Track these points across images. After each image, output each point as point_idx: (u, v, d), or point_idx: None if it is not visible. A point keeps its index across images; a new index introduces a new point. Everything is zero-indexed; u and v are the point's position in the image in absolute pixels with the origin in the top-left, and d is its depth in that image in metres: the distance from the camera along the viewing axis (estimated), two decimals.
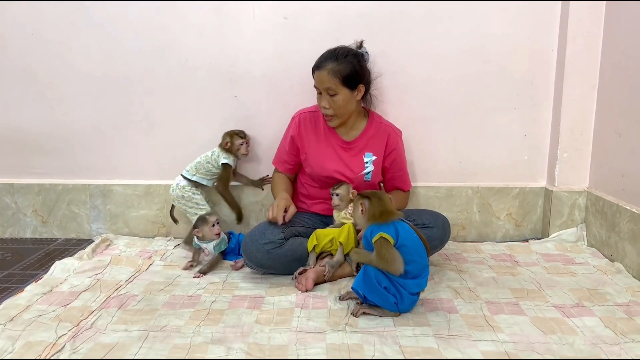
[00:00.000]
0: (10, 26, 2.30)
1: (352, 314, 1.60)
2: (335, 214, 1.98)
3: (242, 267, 2.00)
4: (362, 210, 1.59)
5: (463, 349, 1.40)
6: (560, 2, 2.19)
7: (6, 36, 2.31)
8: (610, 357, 1.36)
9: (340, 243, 1.85)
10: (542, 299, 1.72)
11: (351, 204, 1.83)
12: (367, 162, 2.03)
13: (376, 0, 2.19)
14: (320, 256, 1.91)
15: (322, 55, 1.96)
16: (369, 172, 2.03)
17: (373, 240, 1.52)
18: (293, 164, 2.13)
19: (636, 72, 1.92)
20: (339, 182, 1.97)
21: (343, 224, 1.90)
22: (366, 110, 2.11)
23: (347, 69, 1.92)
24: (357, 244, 1.84)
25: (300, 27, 2.22)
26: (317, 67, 1.94)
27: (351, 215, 1.84)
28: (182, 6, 2.24)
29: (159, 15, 2.26)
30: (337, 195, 1.94)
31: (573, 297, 1.73)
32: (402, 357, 1.36)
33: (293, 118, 2.11)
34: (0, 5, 2.28)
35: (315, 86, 1.96)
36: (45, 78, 2.34)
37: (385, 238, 1.51)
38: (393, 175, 2.12)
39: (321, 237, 1.88)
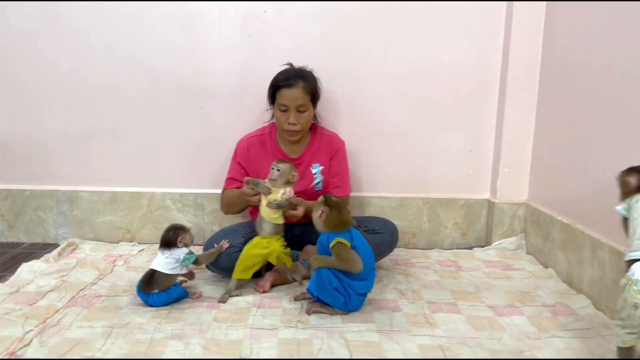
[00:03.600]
0: None
1: (306, 312, 1.73)
2: (263, 200, 1.87)
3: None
4: (321, 215, 1.72)
5: (402, 343, 1.55)
6: (503, 29, 2.40)
7: None
8: (531, 350, 1.53)
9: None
10: (478, 300, 1.88)
11: (287, 188, 1.85)
12: (315, 173, 2.17)
13: None
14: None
15: (287, 74, 2.08)
16: (318, 182, 2.17)
17: (330, 246, 1.66)
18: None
19: (568, 96, 2.13)
20: (282, 160, 1.90)
21: (273, 218, 1.87)
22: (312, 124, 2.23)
23: (313, 87, 2.09)
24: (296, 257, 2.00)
25: (264, 46, 2.36)
26: (287, 86, 2.04)
27: (288, 201, 1.85)
28: (151, 23, 2.36)
29: (128, 31, 2.37)
30: (279, 170, 1.84)
31: (506, 298, 1.90)
32: (347, 350, 1.50)
33: (239, 144, 2.19)
34: None
35: (283, 103, 2.05)
36: (14, 87, 2.41)
37: (342, 242, 1.65)
38: (332, 179, 2.20)
39: (249, 261, 1.86)
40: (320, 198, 1.75)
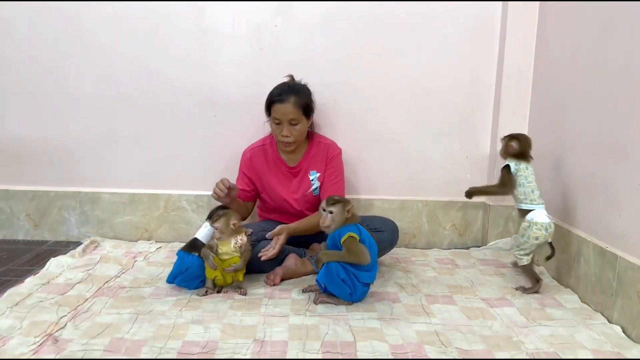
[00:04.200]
0: (12, 49, 2.55)
1: (313, 301, 1.89)
2: (223, 247, 1.95)
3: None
4: (332, 213, 1.86)
5: (401, 329, 1.70)
6: (497, 40, 2.57)
7: (8, 58, 2.56)
8: (519, 337, 1.67)
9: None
10: (473, 293, 2.04)
11: (239, 236, 1.95)
12: (312, 180, 2.33)
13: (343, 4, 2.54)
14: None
15: (280, 90, 2.23)
16: (316, 188, 2.34)
17: (342, 240, 1.82)
18: (252, 192, 2.37)
19: (556, 106, 2.29)
20: (217, 215, 1.96)
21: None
22: (308, 133, 2.38)
23: (305, 100, 2.24)
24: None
25: (273, 58, 2.53)
26: (279, 101, 2.19)
27: (242, 249, 1.95)
28: (168, 37, 2.54)
29: (147, 44, 2.54)
30: (217, 229, 1.93)
31: (499, 292, 2.05)
32: (351, 334, 1.65)
33: (243, 155, 2.37)
34: (1, 31, 2.53)
35: (276, 117, 2.21)
36: (42, 96, 2.59)
37: (353, 236, 1.82)
38: (326, 183, 2.32)
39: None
40: (322, 203, 1.89)
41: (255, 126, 2.51)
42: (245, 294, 1.96)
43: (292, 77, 2.35)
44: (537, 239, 2.01)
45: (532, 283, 2.07)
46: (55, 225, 2.68)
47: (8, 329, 1.62)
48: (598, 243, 1.92)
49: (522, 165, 2.08)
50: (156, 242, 2.65)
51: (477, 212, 2.69)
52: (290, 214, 2.36)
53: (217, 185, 2.09)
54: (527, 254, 2.04)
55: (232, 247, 1.95)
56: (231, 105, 2.59)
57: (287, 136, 2.23)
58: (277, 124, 2.23)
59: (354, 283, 1.85)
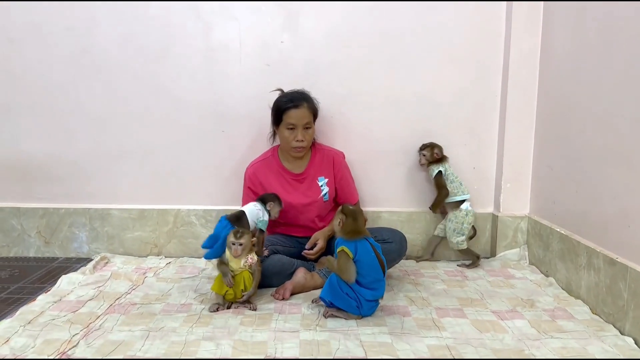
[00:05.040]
0: (23, 68, 2.59)
1: (323, 315, 1.90)
2: (234, 262, 1.96)
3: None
4: (339, 223, 1.90)
5: (412, 343, 1.70)
6: (502, 52, 2.58)
7: (19, 76, 2.60)
8: (530, 349, 1.67)
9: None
10: (483, 306, 2.03)
11: (249, 255, 1.96)
12: (321, 185, 2.37)
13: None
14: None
15: (291, 96, 2.29)
16: (325, 193, 2.38)
17: (337, 251, 1.84)
18: None
19: (563, 116, 2.29)
20: (241, 232, 1.95)
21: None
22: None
23: (314, 106, 2.33)
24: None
25: (280, 73, 2.55)
26: (294, 106, 2.26)
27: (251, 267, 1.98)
28: (177, 54, 2.57)
29: (155, 61, 2.58)
30: (241, 245, 1.92)
31: (509, 304, 2.04)
32: (362, 350, 1.65)
33: (246, 172, 2.40)
34: (11, 51, 2.58)
35: (291, 123, 2.26)
36: (52, 114, 2.63)
37: (345, 252, 1.83)
38: (342, 191, 2.44)
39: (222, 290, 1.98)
40: (339, 208, 1.93)
41: (263, 140, 2.53)
42: (255, 309, 1.97)
43: (281, 90, 2.38)
44: (470, 223, 2.49)
45: (473, 259, 2.52)
46: (65, 242, 2.70)
47: (22, 347, 1.63)
48: (608, 254, 1.91)
49: (446, 165, 2.51)
50: (165, 257, 2.66)
51: (486, 224, 2.69)
52: (298, 226, 2.39)
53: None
54: (465, 238, 2.49)
55: (242, 264, 1.96)
56: (239, 120, 2.62)
57: (302, 140, 2.27)
58: (291, 129, 2.27)
59: (358, 297, 1.85)
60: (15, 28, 2.56)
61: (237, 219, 2.05)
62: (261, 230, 2.13)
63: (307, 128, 2.29)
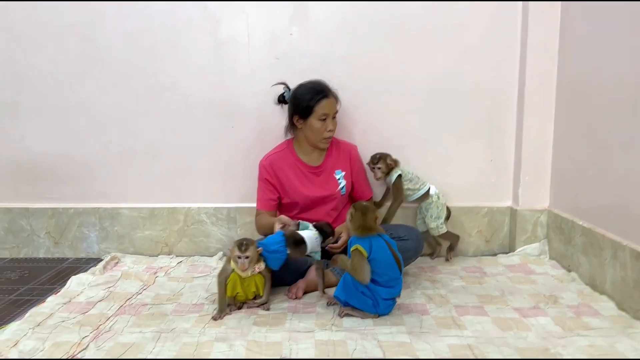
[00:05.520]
0: (29, 67, 2.56)
1: (338, 314, 1.84)
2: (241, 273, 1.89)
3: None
4: (350, 219, 1.85)
5: (432, 343, 1.64)
6: (519, 41, 2.49)
7: (25, 76, 2.57)
8: (556, 348, 1.60)
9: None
10: (504, 303, 1.96)
11: (256, 265, 1.89)
12: (339, 179, 2.32)
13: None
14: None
15: (321, 85, 2.23)
16: (343, 187, 2.32)
17: (351, 250, 1.78)
18: (278, 199, 2.33)
19: (585, 106, 2.21)
20: (246, 245, 1.86)
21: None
22: None
23: (337, 96, 2.27)
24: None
25: (290, 67, 2.49)
26: (325, 96, 2.21)
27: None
28: (184, 50, 2.52)
29: (162, 58, 2.53)
30: (247, 257, 1.84)
31: (531, 301, 1.97)
32: (380, 350, 1.59)
33: (261, 164, 2.32)
34: (17, 50, 2.54)
35: (324, 113, 2.21)
36: (59, 113, 2.59)
37: (359, 250, 1.76)
38: (359, 185, 2.41)
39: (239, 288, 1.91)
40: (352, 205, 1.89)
41: (273, 135, 2.46)
42: (268, 309, 1.92)
43: (285, 84, 2.33)
44: (443, 204, 2.46)
45: (454, 240, 2.53)
46: (75, 242, 2.67)
47: (31, 350, 1.60)
48: (635, 247, 1.83)
49: (402, 167, 2.44)
50: (176, 256, 2.62)
51: (504, 218, 2.61)
52: (312, 222, 2.30)
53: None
54: (443, 220, 2.45)
55: (250, 273, 1.89)
56: (248, 115, 2.56)
57: (332, 130, 2.25)
58: (324, 119, 2.22)
59: (374, 296, 1.79)
60: (20, 26, 2.53)
61: (295, 244, 1.91)
62: (318, 261, 2.05)
63: (334, 117, 2.26)
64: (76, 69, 2.55)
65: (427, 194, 2.44)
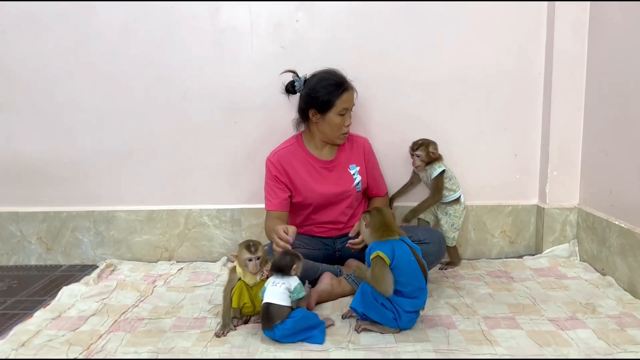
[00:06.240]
0: (16, 63, 2.39)
1: (355, 329, 1.65)
2: (249, 277, 1.73)
3: None
4: (365, 224, 1.67)
5: None
6: (545, 26, 2.30)
7: (12, 71, 2.39)
8: None
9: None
10: (537, 313, 1.78)
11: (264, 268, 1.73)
12: (354, 174, 2.14)
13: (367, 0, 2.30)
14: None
15: (339, 79, 2.05)
16: (358, 183, 2.15)
17: (371, 257, 1.60)
18: (289, 198, 2.16)
19: (620, 94, 2.02)
20: (254, 245, 1.73)
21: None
22: None
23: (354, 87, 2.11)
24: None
25: (296, 56, 2.30)
26: (345, 90, 2.03)
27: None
28: (182, 39, 2.34)
29: (159, 49, 2.35)
30: (259, 258, 1.71)
31: (567, 310, 1.79)
32: None
33: (268, 161, 2.14)
34: (5, 44, 2.37)
35: (345, 107, 2.04)
36: (49, 110, 2.42)
37: (381, 257, 1.57)
38: (374, 180, 2.24)
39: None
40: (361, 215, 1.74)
41: (279, 131, 2.29)
42: None
43: (295, 72, 2.13)
44: (464, 217, 2.27)
45: (456, 260, 2.30)
46: (69, 248, 2.50)
47: None
48: None
49: (445, 163, 2.21)
50: (177, 262, 2.45)
51: (530, 217, 2.42)
52: (324, 223, 2.16)
53: (277, 238, 1.83)
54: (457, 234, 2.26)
55: (258, 279, 1.72)
56: (253, 110, 2.38)
57: (350, 124, 2.10)
58: (343, 114, 2.05)
59: (395, 308, 1.60)
60: (7, 18, 2.35)
61: (267, 316, 1.59)
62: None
63: (351, 110, 2.10)
64: (66, 63, 2.38)
65: (458, 200, 2.23)
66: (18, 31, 2.36)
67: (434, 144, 2.19)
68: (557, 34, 2.25)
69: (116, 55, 2.36)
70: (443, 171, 2.17)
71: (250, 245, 1.71)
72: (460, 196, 2.22)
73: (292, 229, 1.86)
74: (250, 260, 1.69)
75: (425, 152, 2.17)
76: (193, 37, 2.34)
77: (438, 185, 2.17)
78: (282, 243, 1.81)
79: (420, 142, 2.19)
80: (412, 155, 2.21)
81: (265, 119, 2.37)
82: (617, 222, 2.03)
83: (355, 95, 2.09)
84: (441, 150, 2.33)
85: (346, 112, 2.05)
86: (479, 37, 2.31)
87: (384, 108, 2.36)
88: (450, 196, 2.21)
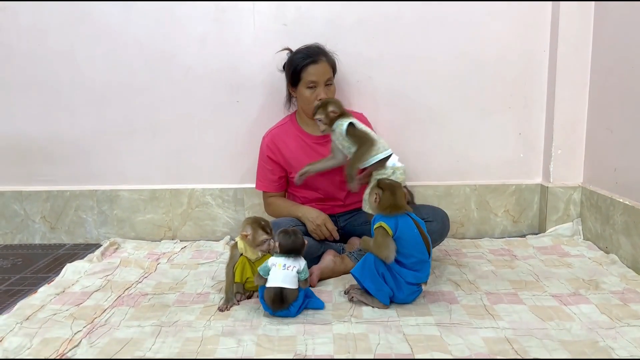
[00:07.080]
0: (16, 37, 2.37)
1: (344, 291, 1.69)
2: (251, 253, 1.72)
3: None
4: (375, 199, 1.65)
5: (464, 336, 1.45)
6: (550, 2, 2.27)
7: (12, 47, 2.38)
8: (606, 340, 1.41)
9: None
10: (540, 289, 1.77)
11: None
12: None
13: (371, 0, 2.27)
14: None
15: (309, 51, 2.05)
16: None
17: (374, 228, 1.60)
18: (280, 179, 2.18)
19: (625, 71, 1.99)
20: (268, 224, 1.72)
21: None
22: None
23: (333, 60, 2.11)
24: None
25: (299, 33, 2.27)
26: (313, 62, 2.02)
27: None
28: (184, 17, 2.32)
29: (161, 26, 2.33)
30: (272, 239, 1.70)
31: (570, 286, 1.79)
32: (407, 345, 1.41)
33: (263, 140, 2.17)
34: (5, 19, 2.35)
35: (312, 80, 2.02)
36: (51, 88, 2.40)
37: (383, 227, 1.58)
38: None
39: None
40: (374, 181, 1.72)
41: (282, 110, 2.27)
42: None
43: (290, 50, 2.13)
44: (402, 182, 1.79)
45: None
46: (72, 227, 2.50)
47: (16, 349, 1.43)
48: None
49: (352, 118, 1.91)
50: (180, 241, 2.45)
51: (533, 196, 2.41)
52: (320, 200, 2.16)
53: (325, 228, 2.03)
54: None
55: (260, 254, 1.73)
56: (255, 88, 2.37)
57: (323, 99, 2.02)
58: (312, 87, 2.04)
59: (397, 280, 1.61)
60: None
61: (281, 300, 1.58)
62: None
63: (328, 85, 2.05)
64: (67, 40, 2.36)
65: (382, 162, 1.88)
66: (19, 8, 2.34)
67: (334, 102, 1.91)
68: (562, 11, 2.22)
69: (117, 32, 2.35)
70: (351, 123, 1.86)
71: (265, 226, 1.70)
72: (387, 158, 1.87)
73: (330, 226, 2.03)
74: (264, 241, 1.69)
75: (324, 113, 1.89)
76: (194, 14, 2.32)
77: (354, 135, 1.86)
78: (328, 233, 2.01)
79: (317, 104, 1.94)
80: (316, 122, 1.93)
81: (267, 97, 2.36)
82: (621, 200, 2.02)
83: (330, 70, 2.05)
84: (444, 128, 2.33)
85: (315, 85, 2.03)
86: (484, 15, 2.29)
87: (388, 86, 2.35)
88: (372, 157, 1.87)
